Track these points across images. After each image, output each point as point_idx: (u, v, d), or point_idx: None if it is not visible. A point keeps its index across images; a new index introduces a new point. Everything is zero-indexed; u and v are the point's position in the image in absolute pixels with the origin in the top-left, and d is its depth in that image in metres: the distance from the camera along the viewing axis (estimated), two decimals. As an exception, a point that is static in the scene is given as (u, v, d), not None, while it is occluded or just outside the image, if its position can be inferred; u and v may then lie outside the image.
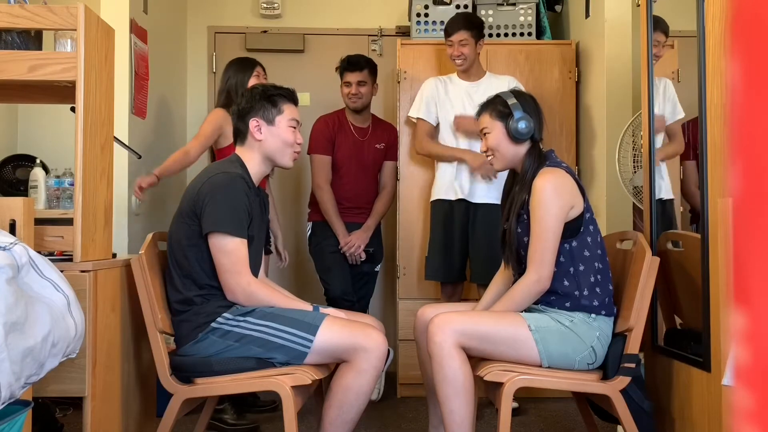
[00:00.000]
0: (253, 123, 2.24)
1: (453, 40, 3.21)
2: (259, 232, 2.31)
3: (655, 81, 2.77)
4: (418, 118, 3.38)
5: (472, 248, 3.26)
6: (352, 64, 3.46)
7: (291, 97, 2.31)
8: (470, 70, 3.29)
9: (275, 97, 2.27)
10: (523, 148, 2.26)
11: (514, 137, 2.23)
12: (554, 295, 2.17)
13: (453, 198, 3.27)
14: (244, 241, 2.14)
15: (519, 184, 2.25)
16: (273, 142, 2.25)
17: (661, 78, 2.89)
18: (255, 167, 2.27)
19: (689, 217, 2.96)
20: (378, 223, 3.56)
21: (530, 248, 2.16)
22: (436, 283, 3.50)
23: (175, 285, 2.18)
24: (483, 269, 3.14)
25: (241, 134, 2.28)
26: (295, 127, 2.29)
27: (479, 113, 2.34)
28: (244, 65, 3.19)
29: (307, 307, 2.22)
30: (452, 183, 3.27)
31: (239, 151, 2.29)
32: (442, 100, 3.33)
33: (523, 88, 3.01)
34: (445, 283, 3.36)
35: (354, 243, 3.40)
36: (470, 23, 3.23)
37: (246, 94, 2.30)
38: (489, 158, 2.33)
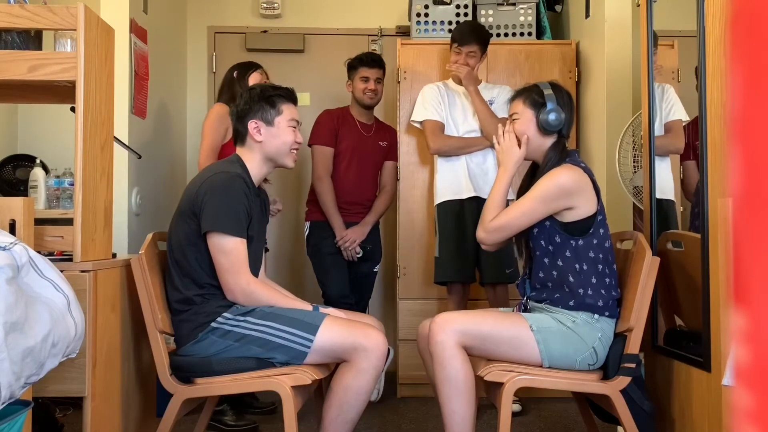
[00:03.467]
0: (252, 125, 2.24)
1: (462, 50, 3.20)
2: (259, 232, 2.31)
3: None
4: (424, 120, 3.33)
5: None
6: (373, 60, 3.46)
7: (290, 96, 2.30)
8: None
9: (274, 97, 2.26)
10: (548, 141, 2.25)
11: (543, 128, 2.23)
12: (559, 292, 2.17)
13: (465, 197, 3.23)
14: (244, 241, 2.14)
15: (538, 177, 2.25)
16: (273, 143, 2.25)
17: (661, 83, 2.88)
18: (255, 168, 2.27)
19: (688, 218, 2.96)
20: (376, 221, 3.53)
21: (504, 211, 2.18)
22: (451, 282, 3.45)
23: (175, 284, 2.18)
24: (493, 267, 3.11)
25: (240, 135, 2.28)
26: (294, 127, 2.29)
27: (513, 98, 2.33)
28: (246, 66, 3.20)
29: (307, 306, 2.22)
30: (464, 181, 3.23)
31: (239, 151, 2.29)
32: (444, 102, 3.32)
33: None
34: (455, 283, 3.28)
35: (350, 237, 3.38)
36: (482, 37, 3.25)
37: (244, 96, 2.30)
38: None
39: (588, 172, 2.20)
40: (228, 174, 2.16)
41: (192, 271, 2.16)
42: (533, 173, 2.34)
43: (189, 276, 2.16)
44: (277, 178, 4.30)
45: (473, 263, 3.24)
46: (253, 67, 3.18)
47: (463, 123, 3.29)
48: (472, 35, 3.21)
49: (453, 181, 3.26)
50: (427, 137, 3.32)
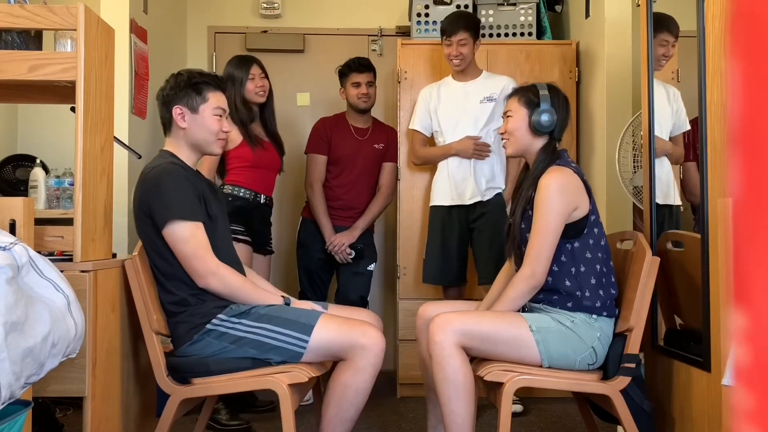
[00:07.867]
0: (176, 111, 2.19)
1: (452, 41, 3.19)
2: (221, 214, 2.27)
3: (663, 87, 2.76)
4: (412, 129, 3.43)
5: (477, 249, 3.25)
6: (362, 65, 3.51)
7: (217, 84, 2.25)
8: (466, 71, 3.28)
9: (200, 84, 2.20)
10: (539, 142, 2.26)
11: (534, 128, 2.24)
12: (556, 295, 2.17)
13: (450, 203, 3.27)
14: (200, 224, 2.09)
15: (528, 179, 2.25)
16: (197, 130, 2.20)
17: (669, 86, 2.88)
18: (184, 156, 2.22)
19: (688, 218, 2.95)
20: (370, 224, 3.56)
21: (529, 243, 2.17)
22: (436, 285, 3.49)
23: (166, 288, 2.15)
24: (489, 268, 3.12)
25: (166, 123, 2.24)
26: (220, 116, 2.22)
27: (509, 96, 2.35)
28: (241, 62, 3.18)
29: (277, 300, 2.20)
30: (449, 188, 3.26)
31: (167, 143, 2.25)
32: (434, 106, 3.33)
33: None
34: (447, 286, 3.35)
35: (339, 241, 3.43)
36: (469, 23, 3.22)
37: (170, 81, 2.23)
38: (504, 141, 2.33)
39: (578, 172, 2.20)
40: (160, 166, 2.13)
41: (175, 271, 2.12)
42: (525, 175, 2.35)
43: (175, 277, 2.13)
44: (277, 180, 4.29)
45: (459, 267, 3.29)
46: (246, 66, 3.14)
47: (455, 127, 3.26)
48: (458, 23, 3.20)
49: (442, 186, 3.30)
50: (410, 148, 3.50)
